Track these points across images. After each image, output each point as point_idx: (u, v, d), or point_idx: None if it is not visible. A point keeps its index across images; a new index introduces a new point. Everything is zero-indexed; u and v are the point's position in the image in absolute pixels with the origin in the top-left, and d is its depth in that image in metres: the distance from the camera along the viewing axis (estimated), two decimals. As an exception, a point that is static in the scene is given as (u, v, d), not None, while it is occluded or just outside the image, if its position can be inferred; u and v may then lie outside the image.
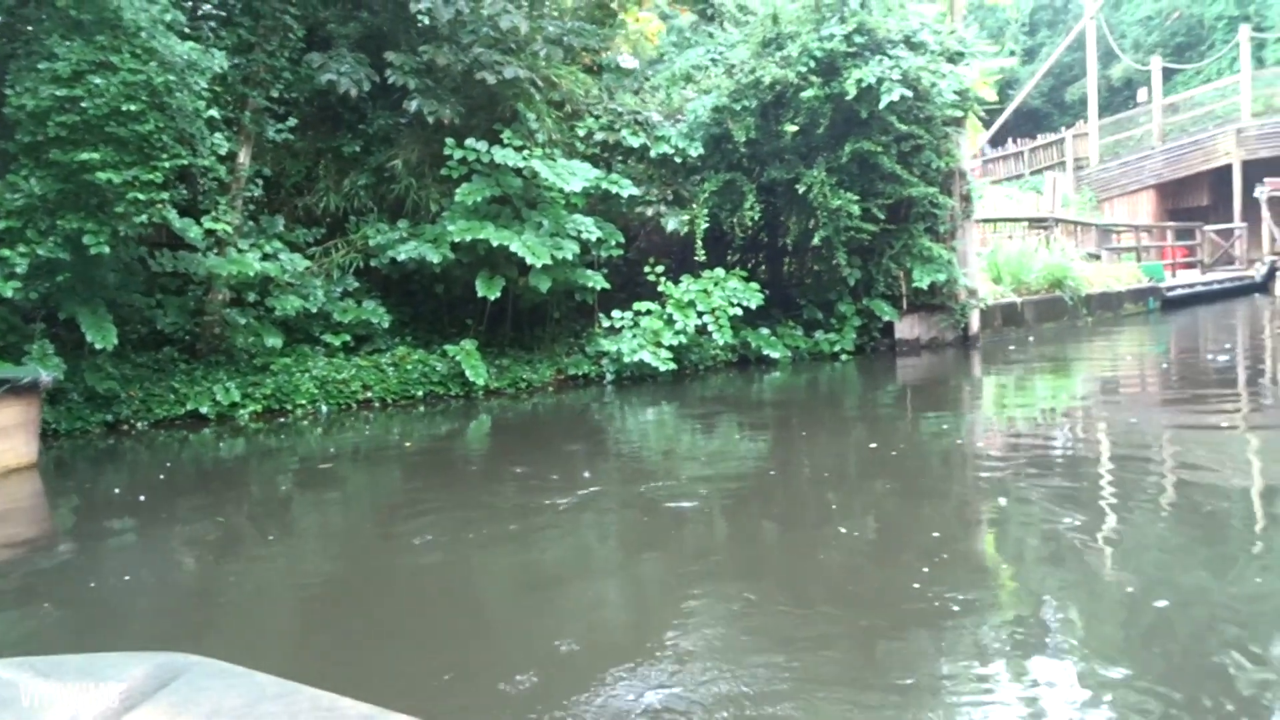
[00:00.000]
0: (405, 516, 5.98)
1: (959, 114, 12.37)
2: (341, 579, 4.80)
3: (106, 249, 8.33)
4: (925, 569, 4.25)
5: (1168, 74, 31.07)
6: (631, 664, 3.38)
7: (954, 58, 12.23)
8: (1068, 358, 13.30)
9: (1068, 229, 20.78)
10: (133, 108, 8.05)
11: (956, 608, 3.81)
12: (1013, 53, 36.36)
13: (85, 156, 7.98)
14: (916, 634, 3.61)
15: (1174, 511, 5.34)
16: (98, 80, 7.95)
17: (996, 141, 33.49)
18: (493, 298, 10.53)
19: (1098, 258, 20.24)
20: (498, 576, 4.72)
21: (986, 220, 18.57)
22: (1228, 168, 27.43)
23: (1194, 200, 29.76)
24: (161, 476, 7.38)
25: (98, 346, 8.68)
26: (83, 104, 7.94)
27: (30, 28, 8.42)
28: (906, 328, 13.53)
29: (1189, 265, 26.28)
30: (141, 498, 6.59)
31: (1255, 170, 26.30)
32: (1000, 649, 3.43)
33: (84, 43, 8.04)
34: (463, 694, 3.29)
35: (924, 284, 12.79)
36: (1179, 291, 21.13)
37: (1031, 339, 14.92)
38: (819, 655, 3.46)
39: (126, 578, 4.83)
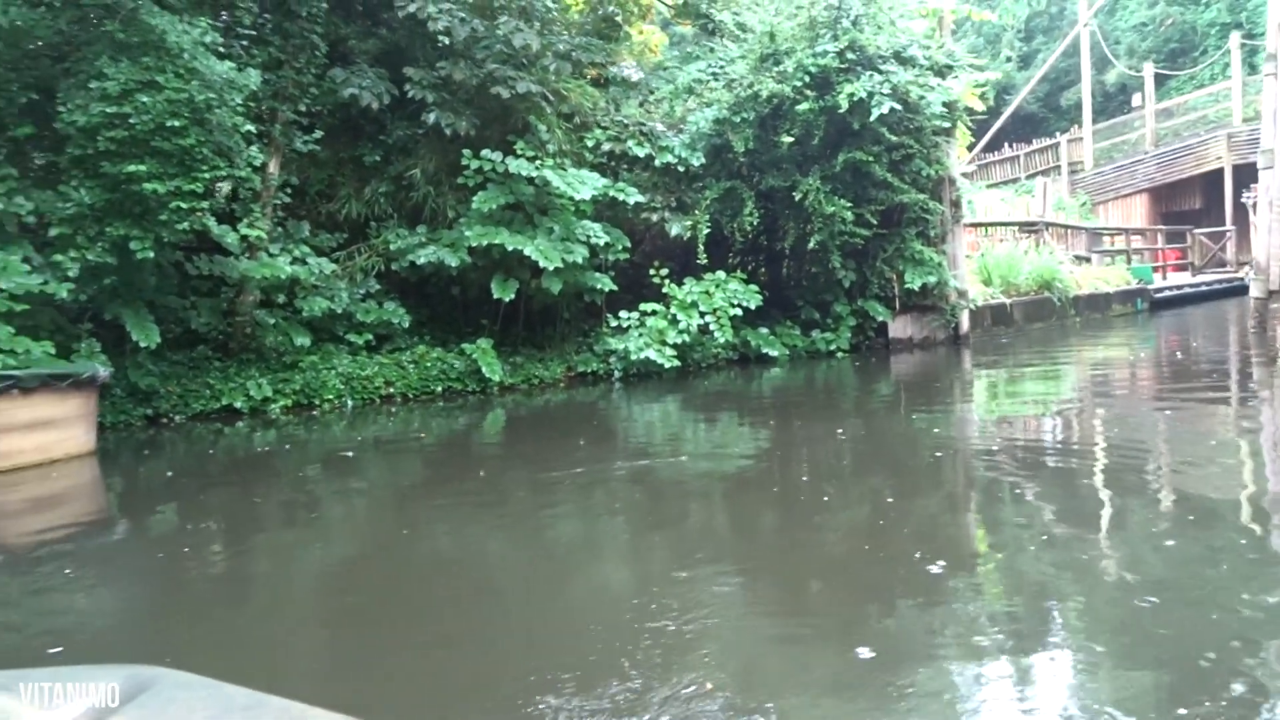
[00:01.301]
0: (425, 498, 6.62)
1: (947, 125, 13.01)
2: (363, 551, 5.42)
3: (151, 254, 8.97)
4: (915, 552, 4.49)
5: (1161, 80, 31.68)
6: (627, 638, 3.62)
7: (942, 71, 12.89)
8: (1053, 355, 13.93)
9: (1058, 232, 21.42)
10: (176, 123, 8.69)
11: (945, 591, 3.99)
12: (1009, 59, 36.99)
13: (132, 168, 8.61)
14: (905, 615, 3.79)
15: (1154, 498, 5.57)
16: (144, 98, 8.59)
17: (992, 146, 34.09)
18: (507, 299, 11.18)
19: (1088, 260, 20.86)
20: (510, 553, 5.28)
21: (977, 224, 19.21)
22: (1219, 172, 28.02)
23: (1186, 204, 30.38)
24: (202, 465, 8.01)
25: (141, 345, 9.33)
26: (130, 120, 8.57)
27: (81, 49, 9.06)
28: (899, 327, 14.17)
29: (1181, 268, 26.90)
30: (187, 482, 7.22)
31: (1246, 175, 26.81)
32: (989, 635, 3.52)
33: (131, 63, 8.68)
34: (476, 658, 3.93)
35: (916, 286, 13.44)
36: (1167, 293, 21.75)
37: (1019, 338, 15.55)
38: (809, 631, 3.73)
39: (185, 549, 5.45)
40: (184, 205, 8.89)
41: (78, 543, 5.70)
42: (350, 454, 8.38)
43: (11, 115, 9.01)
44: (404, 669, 3.53)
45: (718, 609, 3.98)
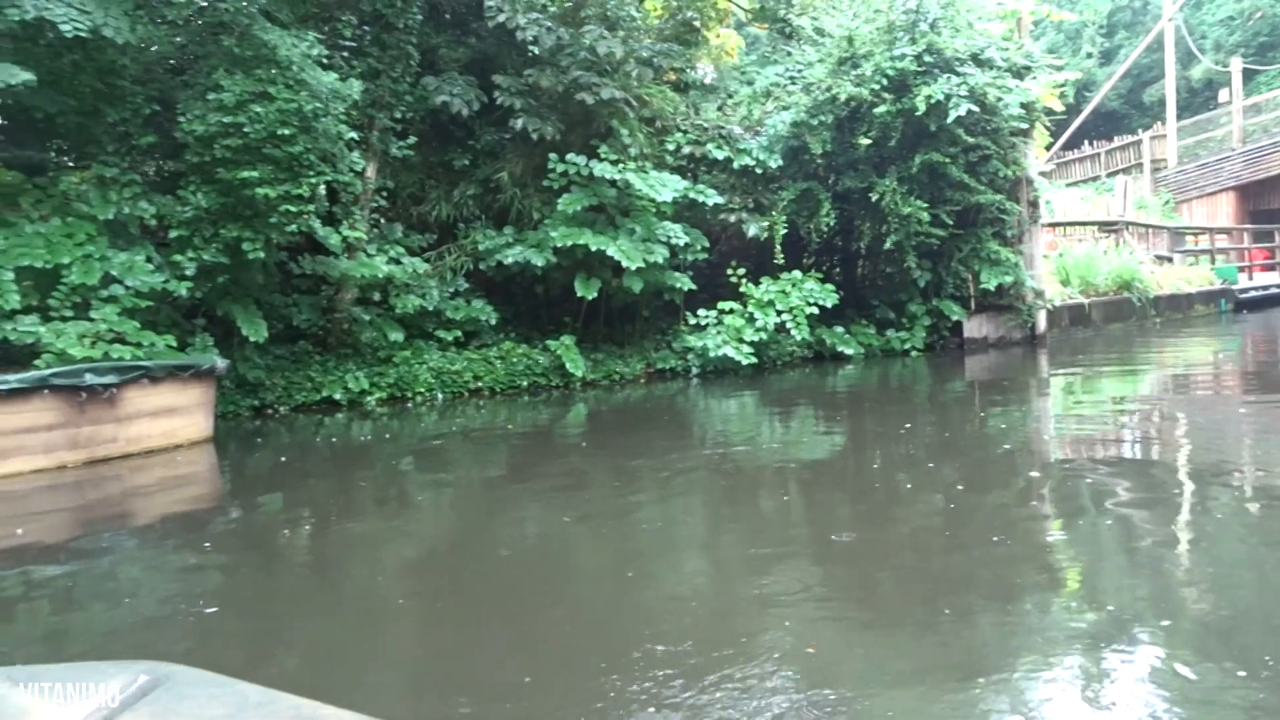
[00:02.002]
0: (516, 485, 7.04)
1: (1025, 125, 13.07)
2: (457, 532, 5.84)
3: (261, 254, 9.58)
4: (991, 552, 4.59)
5: (1249, 74, 30.88)
6: (707, 631, 3.76)
7: (1020, 72, 12.96)
8: (1132, 355, 13.88)
9: (1139, 232, 21.13)
10: (286, 132, 9.26)
11: (1023, 592, 4.05)
12: (1089, 55, 36.35)
13: (246, 174, 9.19)
14: (982, 615, 3.82)
15: (1230, 495, 5.57)
16: (257, 108, 9.17)
17: (1072, 144, 33.56)
18: (590, 297, 11.59)
19: (1169, 260, 20.56)
20: (593, 538, 5.60)
21: (1055, 224, 19.08)
22: (1310, 169, 27.26)
23: (1275, 202, 29.56)
24: (308, 453, 8.56)
25: (251, 339, 9.95)
26: (244, 129, 9.16)
27: (199, 63, 9.70)
28: (974, 327, 14.25)
29: (1269, 268, 26.23)
30: (297, 468, 7.77)
31: (1338, 172, 26.13)
32: (1064, 637, 3.53)
33: (246, 76, 9.28)
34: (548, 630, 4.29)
35: (991, 286, 13.53)
36: (1253, 293, 21.30)
37: (1098, 339, 15.48)
38: (883, 619, 3.83)
39: (307, 526, 5.95)
40: (292, 208, 9.47)
41: (209, 519, 6.24)
42: (441, 443, 8.88)
43: (136, 125, 9.68)
44: (490, 646, 3.80)
45: (794, 595, 4.18)
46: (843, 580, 4.48)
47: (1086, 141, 33.63)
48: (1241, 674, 3.13)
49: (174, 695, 1.21)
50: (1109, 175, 31.33)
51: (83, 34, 8.44)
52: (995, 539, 4.84)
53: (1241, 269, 23.84)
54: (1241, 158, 29.09)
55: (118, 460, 7.77)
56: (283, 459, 8.18)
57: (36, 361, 8.04)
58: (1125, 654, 3.36)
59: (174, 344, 9.06)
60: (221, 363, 8.74)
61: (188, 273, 9.38)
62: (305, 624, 4.18)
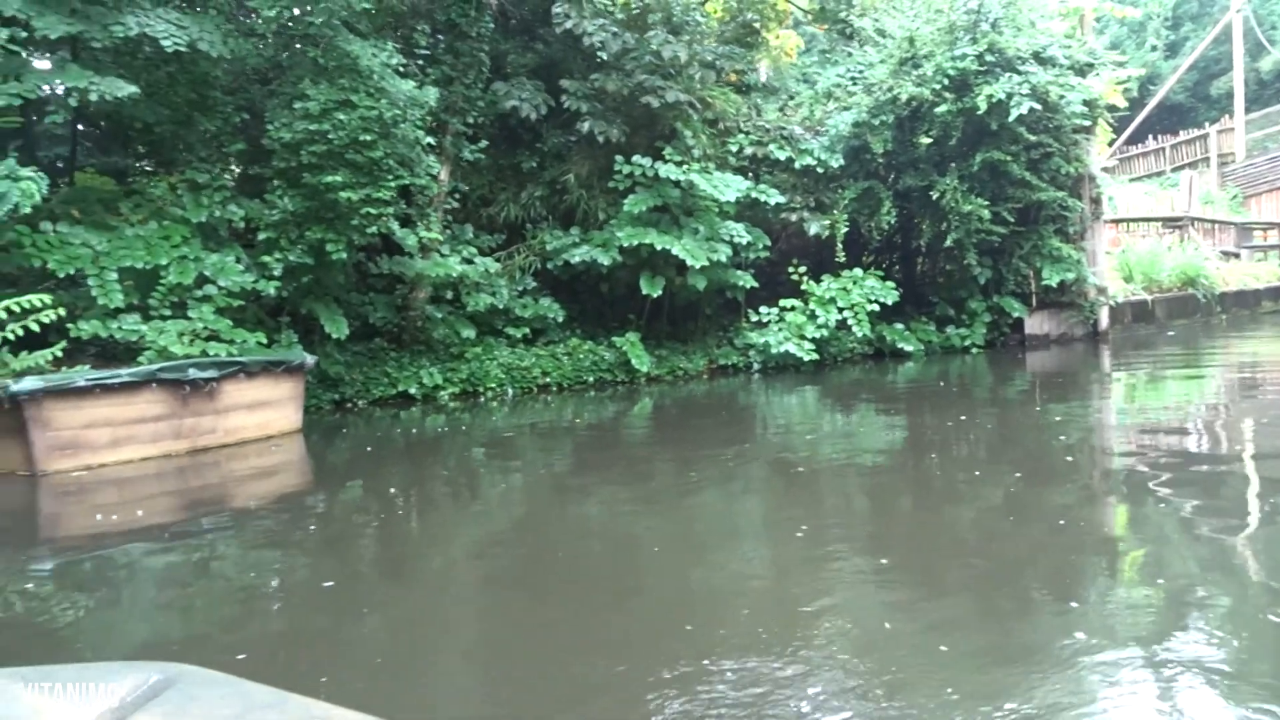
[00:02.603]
0: (587, 476, 7.37)
1: (1087, 123, 13.09)
2: (530, 519, 6.18)
3: (344, 255, 10.04)
4: (1053, 547, 4.64)
5: (1321, 66, 30.16)
6: (770, 621, 3.84)
7: (1083, 70, 12.98)
8: (1196, 352, 13.81)
9: (1204, 228, 20.86)
10: (367, 138, 9.70)
11: (1084, 584, 4.10)
12: (1154, 48, 35.75)
13: (329, 179, 9.65)
14: (1044, 609, 3.85)
15: None
16: (341, 116, 9.63)
17: (1136, 139, 33.06)
18: (655, 295, 11.91)
19: (1236, 256, 20.28)
20: (659, 527, 5.80)
21: (1118, 220, 18.95)
22: (1385, 162, 26.59)
23: (1349, 196, 28.85)
24: (389, 444, 8.98)
25: (334, 336, 10.43)
26: (329, 135, 9.62)
27: (286, 73, 10.20)
28: (1036, 323, 14.29)
29: (1341, 263, 25.63)
30: (381, 458, 8.19)
31: None
32: (1128, 630, 3.54)
33: (330, 85, 9.74)
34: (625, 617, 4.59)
35: (1053, 282, 13.57)
36: (1324, 289, 20.87)
37: (1161, 335, 15.41)
38: (944, 617, 3.81)
39: (400, 510, 6.34)
40: (373, 211, 9.92)
41: (303, 505, 6.67)
42: (513, 436, 9.26)
43: (227, 134, 10.21)
44: (557, 629, 3.94)
45: (852, 586, 4.28)
46: (910, 564, 4.68)
47: (1151, 136, 33.07)
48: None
49: (184, 696, 1.22)
50: (1174, 170, 30.81)
51: (181, 48, 8.96)
52: (1059, 525, 5.04)
53: (1312, 264, 23.35)
54: (1313, 151, 28.43)
55: (216, 449, 8.27)
56: (368, 449, 8.62)
57: (139, 358, 8.58)
58: (1186, 646, 3.37)
59: (264, 341, 9.57)
60: (310, 359, 9.21)
61: (275, 273, 9.87)
62: (382, 601, 4.51)
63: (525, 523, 6.06)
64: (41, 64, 9.35)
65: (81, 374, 7.53)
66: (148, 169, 12.00)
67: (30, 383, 7.09)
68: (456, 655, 3.84)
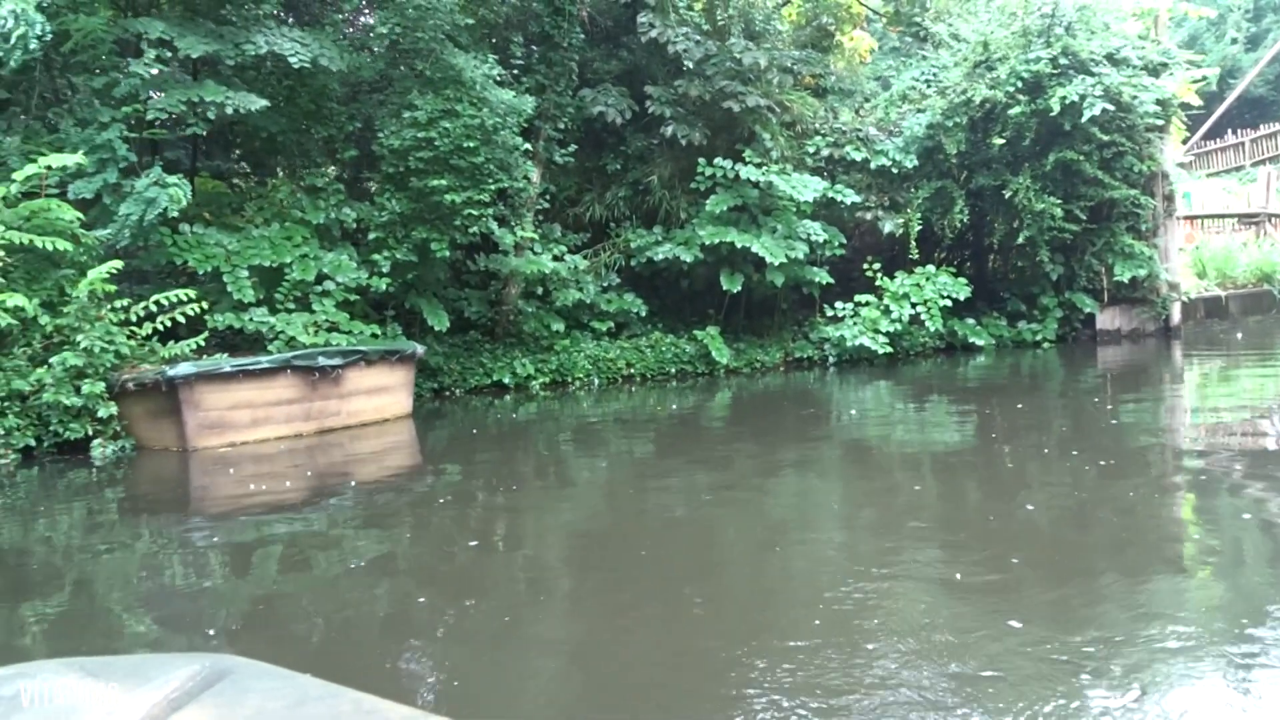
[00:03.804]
0: (676, 459, 7.99)
1: (1160, 122, 13.33)
2: (616, 497, 6.82)
3: (447, 253, 10.81)
4: (1120, 538, 4.78)
5: None
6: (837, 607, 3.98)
7: (1156, 70, 13.23)
8: (1270, 347, 13.95)
9: (1283, 224, 20.75)
10: (470, 144, 10.43)
11: (1150, 576, 4.18)
12: (1234, 41, 35.17)
13: (435, 183, 10.40)
14: (1108, 600, 3.89)
15: None
16: (446, 124, 10.38)
17: (1214, 133, 32.61)
18: (734, 291, 12.50)
19: (1316, 252, 20.12)
20: (732, 515, 6.02)
21: (1193, 217, 18.98)
22: None
23: None
24: (489, 427, 9.73)
25: (436, 329, 11.21)
26: (435, 143, 10.38)
27: (395, 84, 11.00)
28: (1107, 319, 14.56)
29: None
30: (483, 441, 8.93)
31: None
32: (1192, 619, 3.61)
33: (436, 95, 10.51)
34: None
35: (1125, 278, 13.84)
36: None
37: (1234, 331, 15.52)
38: (1009, 608, 3.81)
39: (493, 490, 7.03)
40: (474, 212, 10.66)
41: (420, 481, 7.43)
42: (601, 423, 9.93)
43: (341, 142, 11.05)
44: (633, 611, 4.19)
45: (921, 575, 4.39)
46: (971, 560, 4.63)
47: (1230, 130, 32.59)
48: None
49: (237, 688, 1.24)
50: (1254, 165, 30.36)
51: (306, 65, 9.79)
52: (1127, 516, 5.49)
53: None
54: (1400, 144, 27.85)
55: (340, 431, 9.09)
56: (473, 431, 9.38)
57: (269, 347, 9.45)
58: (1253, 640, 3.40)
59: (378, 333, 10.39)
60: (420, 349, 10.00)
61: (383, 270, 10.67)
62: (472, 581, 4.85)
63: (613, 503, 6.62)
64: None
65: (227, 361, 8.39)
66: (246, 172, 12.99)
67: (185, 368, 7.97)
68: (555, 615, 4.45)
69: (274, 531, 5.89)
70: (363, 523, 6.06)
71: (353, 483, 7.29)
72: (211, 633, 4.07)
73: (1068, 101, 12.31)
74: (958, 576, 4.27)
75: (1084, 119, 12.38)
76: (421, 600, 4.46)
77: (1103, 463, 6.66)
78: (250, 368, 8.34)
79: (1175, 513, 5.55)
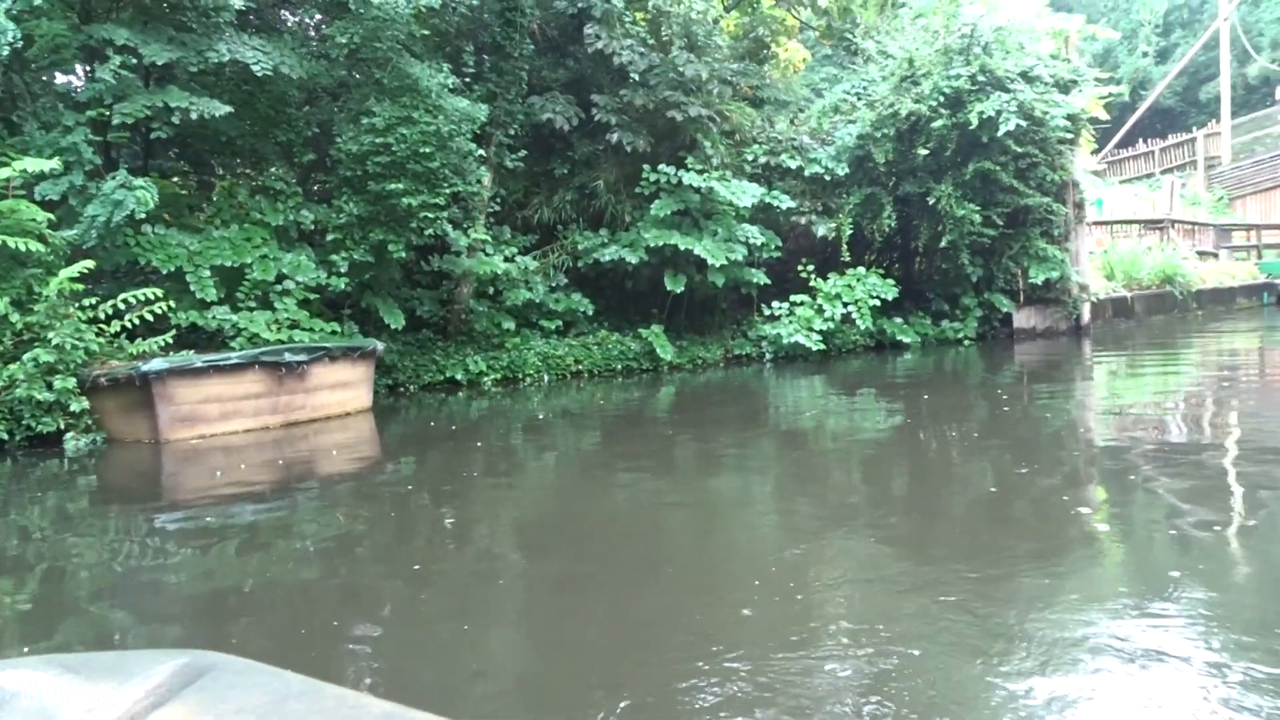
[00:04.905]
0: (618, 453, 8.59)
1: (1071, 135, 14.34)
2: (567, 486, 7.41)
3: (403, 254, 11.26)
4: (1036, 520, 5.08)
5: (1305, 73, 31.41)
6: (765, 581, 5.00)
7: (1066, 87, 14.24)
8: (1170, 344, 15.06)
9: (1185, 229, 22.13)
10: (426, 150, 10.89)
11: (1068, 558, 4.36)
12: (1145, 54, 37.01)
13: (393, 186, 10.85)
14: (1025, 578, 4.07)
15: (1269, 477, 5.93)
16: (403, 130, 10.83)
17: (1127, 142, 34.30)
18: (677, 291, 13.15)
19: (1214, 256, 21.54)
20: (676, 497, 7.08)
21: (1102, 223, 20.20)
22: (1364, 166, 27.80)
23: (1331, 198, 30.09)
24: (443, 423, 10.17)
25: (391, 327, 11.65)
26: (392, 148, 10.82)
27: (353, 91, 11.40)
28: (1023, 318, 15.56)
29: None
30: (439, 433, 9.40)
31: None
32: (1109, 601, 3.72)
33: (393, 103, 10.95)
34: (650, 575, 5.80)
35: (1039, 280, 14.85)
36: (1298, 287, 22.13)
37: (1140, 329, 16.67)
38: (936, 585, 4.03)
39: (451, 479, 7.56)
40: (430, 215, 11.13)
41: (380, 471, 7.90)
42: (548, 418, 10.48)
43: (299, 146, 11.42)
44: (580, 599, 4.45)
45: (861, 561, 4.62)
46: (904, 544, 5.30)
47: (1142, 139, 34.32)
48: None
49: (219, 684, 1.23)
50: (1163, 172, 32.04)
51: (268, 72, 10.17)
52: (1038, 493, 6.23)
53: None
54: (1296, 155, 29.67)
55: (305, 424, 9.50)
56: (431, 424, 9.85)
57: (232, 343, 9.82)
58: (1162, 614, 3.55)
59: (337, 330, 10.80)
60: (381, 346, 10.44)
61: (342, 270, 11.08)
62: (434, 563, 5.55)
63: (563, 493, 7.11)
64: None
65: (197, 356, 8.76)
66: (187, 171, 13.22)
67: (158, 364, 8.33)
68: (508, 591, 5.04)
69: (244, 519, 6.15)
70: (328, 510, 6.40)
71: (319, 472, 7.71)
72: (182, 620, 4.21)
73: (985, 116, 13.22)
74: (885, 549, 4.88)
75: (1000, 133, 13.30)
76: (381, 582, 4.67)
77: (1018, 448, 7.39)
78: (220, 363, 8.72)
79: (1086, 493, 5.87)
